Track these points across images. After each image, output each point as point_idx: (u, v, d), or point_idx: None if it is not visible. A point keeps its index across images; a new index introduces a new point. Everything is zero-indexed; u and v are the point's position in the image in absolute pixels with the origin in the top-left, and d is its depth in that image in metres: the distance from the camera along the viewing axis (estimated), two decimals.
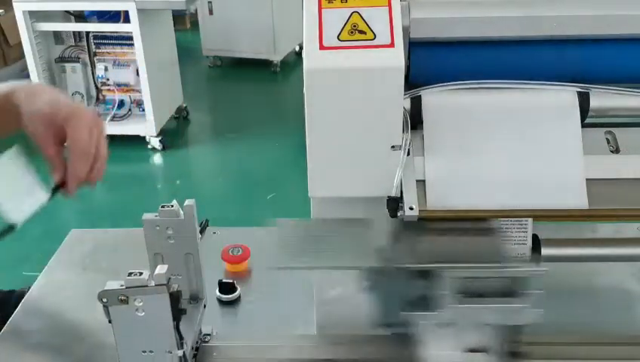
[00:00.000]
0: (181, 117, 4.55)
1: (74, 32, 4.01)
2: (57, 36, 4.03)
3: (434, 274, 0.81)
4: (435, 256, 0.82)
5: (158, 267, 0.76)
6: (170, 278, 0.77)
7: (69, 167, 0.91)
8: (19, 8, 3.70)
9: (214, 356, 0.92)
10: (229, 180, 3.82)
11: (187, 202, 0.88)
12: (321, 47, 0.81)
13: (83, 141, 0.89)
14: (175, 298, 0.77)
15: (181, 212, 0.88)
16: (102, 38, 3.97)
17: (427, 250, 0.83)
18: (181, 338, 0.81)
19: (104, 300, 0.76)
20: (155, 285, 0.75)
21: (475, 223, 0.85)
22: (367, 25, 0.82)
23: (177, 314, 0.78)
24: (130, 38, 3.80)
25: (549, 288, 1.15)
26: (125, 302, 0.76)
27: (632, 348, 0.93)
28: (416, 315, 0.83)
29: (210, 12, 5.38)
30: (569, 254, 0.98)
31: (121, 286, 0.76)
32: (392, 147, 0.84)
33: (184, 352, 0.82)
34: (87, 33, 3.95)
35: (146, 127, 4.01)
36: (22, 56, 4.05)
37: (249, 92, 5.10)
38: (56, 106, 0.90)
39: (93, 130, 0.91)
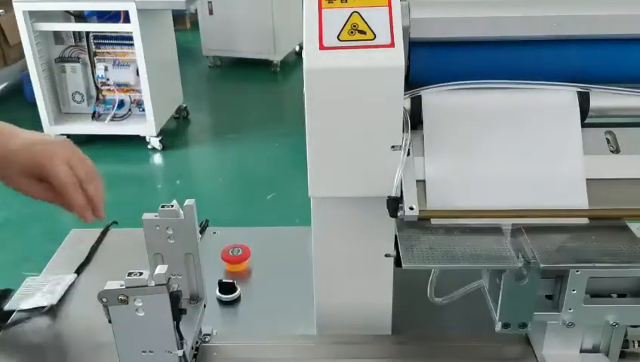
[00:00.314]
0: (181, 117, 4.55)
1: (74, 32, 4.01)
2: (57, 36, 4.03)
3: (562, 274, 0.80)
4: (566, 256, 0.81)
5: (158, 267, 0.76)
6: (170, 278, 0.77)
7: (68, 203, 0.94)
8: (19, 8, 3.70)
9: (214, 356, 0.92)
10: (229, 180, 3.82)
11: (187, 202, 0.88)
12: (321, 47, 0.81)
13: (61, 177, 0.92)
14: (175, 298, 0.77)
15: (181, 212, 0.88)
16: (102, 38, 3.97)
17: (557, 250, 0.82)
18: (181, 338, 0.81)
19: (104, 300, 0.76)
20: (155, 285, 0.75)
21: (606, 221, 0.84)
22: (367, 25, 0.82)
23: (177, 314, 0.78)
24: (130, 38, 3.81)
25: None
26: (125, 302, 0.76)
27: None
28: (542, 315, 0.83)
29: (210, 12, 5.38)
30: None
31: (121, 286, 0.76)
32: (392, 147, 0.84)
33: (184, 352, 0.82)
34: (87, 33, 3.95)
35: (146, 127, 4.01)
36: (22, 56, 4.05)
37: (249, 92, 5.10)
38: (31, 156, 0.92)
39: (71, 160, 0.93)
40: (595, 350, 0.89)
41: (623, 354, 0.89)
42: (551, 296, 0.84)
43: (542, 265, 0.76)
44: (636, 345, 0.89)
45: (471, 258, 0.78)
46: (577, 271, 0.78)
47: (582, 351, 0.89)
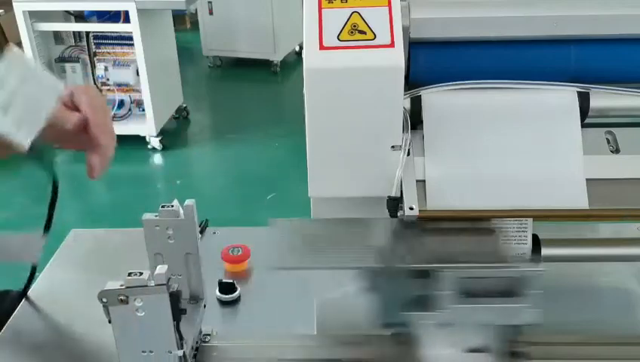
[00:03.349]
0: (181, 117, 4.55)
1: (74, 32, 4.01)
2: (57, 36, 4.03)
3: (434, 275, 0.81)
4: (435, 256, 0.82)
5: (158, 267, 0.76)
6: (170, 278, 0.77)
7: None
8: (19, 8, 3.70)
9: (214, 356, 0.91)
10: (229, 180, 3.82)
11: (187, 202, 0.88)
12: (321, 47, 0.81)
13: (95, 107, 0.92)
14: (175, 298, 0.77)
15: (181, 212, 0.88)
16: (102, 38, 3.97)
17: (427, 250, 0.83)
18: (181, 338, 0.81)
19: (104, 300, 0.76)
20: (155, 285, 0.75)
21: (474, 223, 0.85)
22: (367, 25, 0.82)
23: (177, 314, 0.78)
24: (130, 38, 3.80)
25: (548, 288, 1.15)
26: (125, 302, 0.76)
27: (631, 348, 0.92)
28: (416, 315, 0.83)
29: (210, 12, 5.38)
30: (569, 254, 0.98)
31: (121, 286, 0.75)
32: (392, 147, 0.84)
33: (184, 352, 0.82)
34: (87, 33, 3.95)
35: (146, 127, 4.01)
36: None
37: (249, 92, 5.10)
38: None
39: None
40: (479, 350, 0.87)
41: (514, 354, 0.88)
42: (425, 297, 0.84)
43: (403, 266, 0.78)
44: (523, 345, 0.89)
45: (336, 261, 0.81)
46: (447, 272, 0.79)
47: (466, 350, 0.87)
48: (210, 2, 5.33)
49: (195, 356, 0.89)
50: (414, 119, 0.88)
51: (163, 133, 4.11)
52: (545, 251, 0.94)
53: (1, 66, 0.85)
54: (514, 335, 0.87)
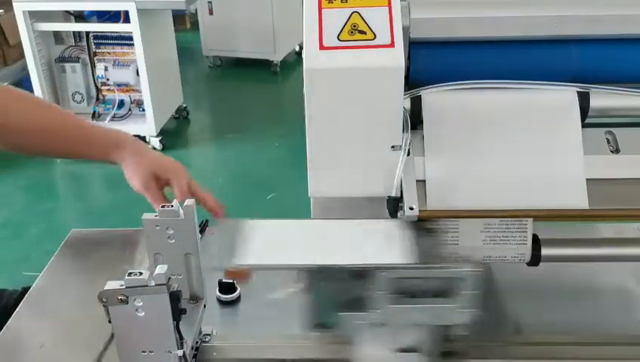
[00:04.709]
0: (181, 117, 4.55)
1: (74, 32, 4.01)
2: (57, 36, 4.03)
3: (370, 275, 0.80)
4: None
5: (158, 267, 0.76)
6: (170, 278, 0.77)
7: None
8: (19, 8, 3.69)
9: (214, 356, 0.91)
10: (229, 180, 3.81)
11: (187, 202, 0.88)
12: (321, 47, 0.81)
13: (184, 185, 1.08)
14: (175, 298, 0.77)
15: (181, 212, 0.88)
16: (102, 38, 3.97)
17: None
18: (181, 338, 0.81)
19: (104, 300, 0.76)
20: (155, 285, 0.75)
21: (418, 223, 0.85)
22: (367, 25, 0.82)
23: (177, 314, 0.78)
24: (130, 38, 3.80)
25: (549, 288, 1.15)
26: (125, 302, 0.76)
27: (632, 347, 0.93)
28: (350, 315, 0.83)
29: (210, 12, 5.38)
30: (569, 254, 0.98)
31: (121, 286, 0.75)
32: (392, 147, 0.84)
33: (184, 352, 0.82)
34: (87, 33, 3.94)
35: (146, 127, 4.00)
36: (22, 56, 4.05)
37: (249, 92, 5.10)
38: (161, 164, 1.08)
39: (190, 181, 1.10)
40: (412, 350, 0.87)
41: (447, 354, 0.88)
42: (361, 297, 0.84)
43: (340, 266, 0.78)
44: (458, 344, 0.89)
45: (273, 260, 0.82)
46: (382, 272, 0.78)
47: (398, 350, 0.87)
48: (210, 2, 5.33)
49: (195, 356, 0.89)
50: (414, 119, 0.88)
51: (163, 133, 4.11)
52: (545, 251, 0.94)
53: None
54: (447, 335, 0.87)
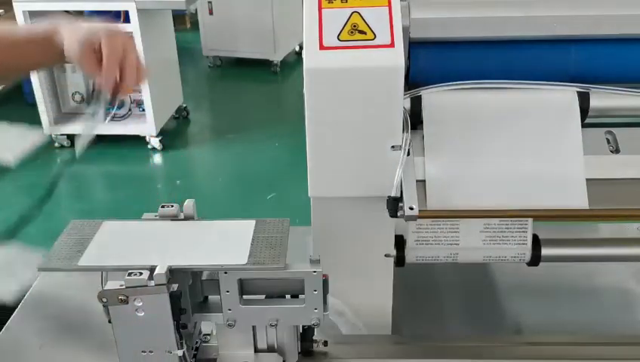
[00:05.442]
0: (181, 117, 4.55)
1: None
2: None
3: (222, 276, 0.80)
4: None
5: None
6: (170, 278, 0.77)
7: (103, 70, 0.97)
8: (19, 8, 3.70)
9: (214, 356, 0.91)
10: (229, 180, 3.81)
11: (187, 202, 0.88)
12: (321, 47, 0.81)
13: (114, 48, 0.98)
14: (175, 298, 0.77)
15: (181, 212, 0.88)
16: None
17: None
18: (181, 338, 0.81)
19: (104, 300, 0.76)
20: (155, 285, 0.75)
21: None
22: (367, 25, 0.82)
23: (177, 314, 0.78)
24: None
25: (549, 288, 1.15)
26: (125, 302, 0.76)
27: (632, 347, 0.93)
28: (204, 316, 0.83)
29: (210, 12, 5.38)
30: (569, 254, 0.98)
31: (121, 286, 0.75)
32: (392, 147, 0.84)
33: (184, 352, 0.81)
34: None
35: (146, 127, 4.00)
36: None
37: (249, 92, 5.10)
38: (94, 33, 0.99)
39: (126, 43, 1.00)
40: (271, 349, 0.87)
41: (310, 353, 0.89)
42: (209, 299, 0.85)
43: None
44: (321, 344, 0.89)
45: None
46: (225, 273, 0.78)
47: (257, 350, 0.87)
48: (210, 2, 5.33)
49: (195, 356, 0.89)
50: (414, 119, 0.88)
51: (163, 133, 4.11)
52: (545, 251, 0.94)
53: None
54: (307, 335, 0.87)
